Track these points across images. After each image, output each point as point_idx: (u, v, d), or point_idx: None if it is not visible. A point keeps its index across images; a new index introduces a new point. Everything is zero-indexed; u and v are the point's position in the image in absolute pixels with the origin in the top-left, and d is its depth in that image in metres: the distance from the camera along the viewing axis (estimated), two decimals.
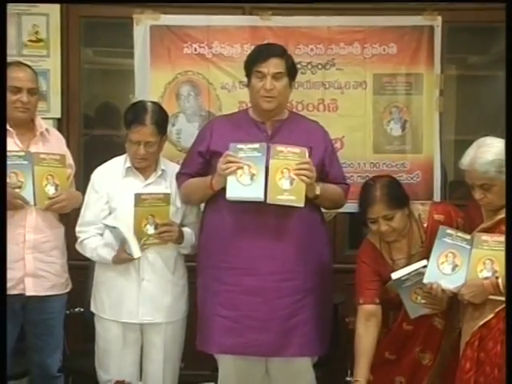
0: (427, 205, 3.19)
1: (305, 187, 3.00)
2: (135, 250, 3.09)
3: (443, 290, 2.87)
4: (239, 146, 3.03)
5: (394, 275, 2.97)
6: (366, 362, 3.01)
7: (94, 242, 3.25)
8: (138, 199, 3.12)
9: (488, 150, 2.83)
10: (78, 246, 3.32)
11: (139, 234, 3.14)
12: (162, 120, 3.26)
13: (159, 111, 3.28)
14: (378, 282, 3.08)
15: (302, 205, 2.99)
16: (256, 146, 3.03)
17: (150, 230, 3.14)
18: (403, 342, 3.11)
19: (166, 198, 3.16)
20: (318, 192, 3.10)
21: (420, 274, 2.93)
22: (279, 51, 3.19)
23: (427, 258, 2.96)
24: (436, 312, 3.02)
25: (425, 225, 3.08)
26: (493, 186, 2.82)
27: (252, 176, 3.00)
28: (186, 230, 3.28)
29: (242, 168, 3.00)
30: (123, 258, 3.15)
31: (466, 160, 2.86)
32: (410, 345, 3.09)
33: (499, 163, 2.80)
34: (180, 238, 3.23)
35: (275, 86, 3.10)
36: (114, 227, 3.12)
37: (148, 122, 3.18)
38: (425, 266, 2.92)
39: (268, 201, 2.99)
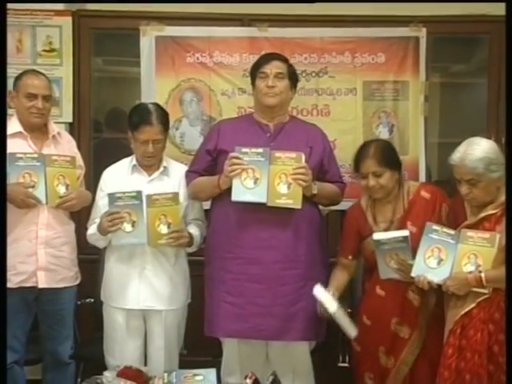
0: (419, 182, 3.20)
1: (301, 190, 3.00)
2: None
3: (429, 283, 2.85)
4: (244, 149, 3.01)
5: (376, 236, 2.96)
6: (335, 284, 3.11)
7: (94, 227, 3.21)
8: (150, 200, 3.08)
9: (477, 147, 2.83)
10: (87, 237, 3.29)
11: (154, 234, 3.09)
12: (165, 119, 3.25)
13: (161, 111, 3.26)
14: (356, 242, 3.15)
15: (299, 207, 3.01)
16: (260, 150, 3.02)
17: (164, 229, 3.09)
18: (378, 308, 3.05)
19: (175, 198, 3.12)
20: (315, 191, 3.11)
21: (399, 241, 2.92)
22: (282, 56, 3.24)
23: (403, 226, 2.98)
24: (406, 280, 2.96)
25: (410, 197, 3.08)
26: (479, 181, 2.81)
27: (256, 180, 3.00)
28: (195, 233, 3.23)
29: (246, 171, 2.99)
30: (104, 226, 3.08)
31: (457, 156, 2.85)
32: (385, 314, 3.03)
33: (487, 161, 2.79)
34: (190, 243, 3.19)
35: (277, 85, 3.11)
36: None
37: (154, 121, 3.16)
38: (405, 237, 2.90)
39: (268, 204, 3.00)
